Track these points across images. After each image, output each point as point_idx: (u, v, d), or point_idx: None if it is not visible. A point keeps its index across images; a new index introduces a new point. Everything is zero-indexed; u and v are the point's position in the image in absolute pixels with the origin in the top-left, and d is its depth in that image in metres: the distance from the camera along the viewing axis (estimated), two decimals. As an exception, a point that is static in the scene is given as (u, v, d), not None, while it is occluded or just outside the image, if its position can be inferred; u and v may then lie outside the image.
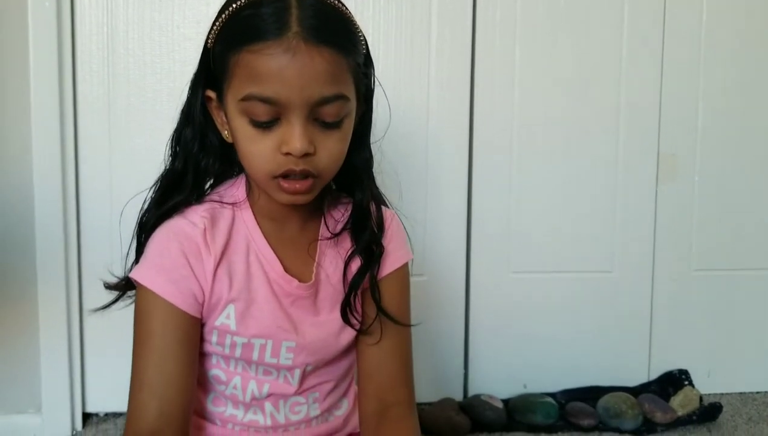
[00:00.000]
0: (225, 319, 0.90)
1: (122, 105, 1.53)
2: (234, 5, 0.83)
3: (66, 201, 1.50)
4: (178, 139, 0.93)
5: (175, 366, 0.86)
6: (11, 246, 1.49)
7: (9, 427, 1.51)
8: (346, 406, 1.03)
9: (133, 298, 0.92)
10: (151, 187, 0.94)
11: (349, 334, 0.96)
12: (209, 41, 0.87)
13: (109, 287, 0.97)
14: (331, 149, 0.84)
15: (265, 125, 0.81)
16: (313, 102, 0.80)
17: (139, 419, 0.84)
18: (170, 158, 0.93)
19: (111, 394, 1.59)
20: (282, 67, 0.78)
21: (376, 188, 0.98)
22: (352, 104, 0.85)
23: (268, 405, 0.95)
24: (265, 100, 0.79)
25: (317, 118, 0.82)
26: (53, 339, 1.52)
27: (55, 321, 1.51)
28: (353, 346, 0.99)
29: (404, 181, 1.40)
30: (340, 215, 0.97)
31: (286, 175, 0.83)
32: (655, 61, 1.70)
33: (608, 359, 1.75)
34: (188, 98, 0.92)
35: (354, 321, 0.95)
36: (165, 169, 0.93)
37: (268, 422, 0.95)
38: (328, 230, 0.95)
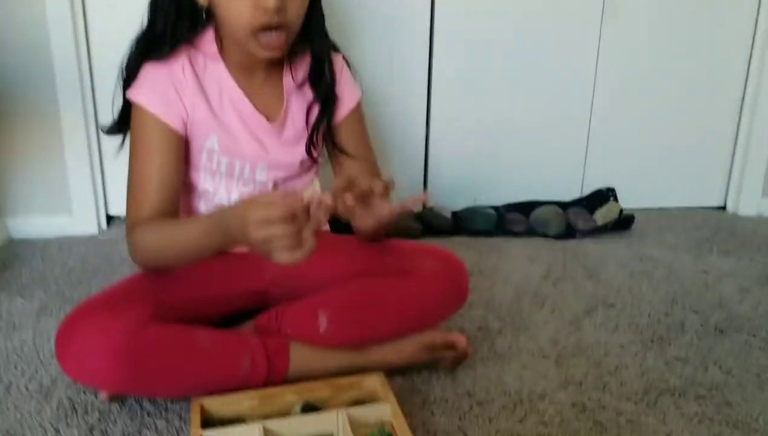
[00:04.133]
0: (211, 144, 1.17)
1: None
2: None
3: (75, 21, 1.72)
4: (156, 3, 1.14)
5: (168, 169, 1.13)
6: (32, 70, 1.74)
7: (45, 226, 1.85)
8: None
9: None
10: (130, 47, 1.15)
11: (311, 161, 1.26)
12: None
13: (107, 129, 1.24)
14: (298, 3, 1.08)
15: None
16: None
17: (140, 208, 1.11)
18: (149, 21, 1.14)
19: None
20: None
21: (328, 38, 1.22)
22: None
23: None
24: None
25: None
26: (76, 150, 1.81)
27: (77, 134, 1.80)
28: (316, 162, 1.29)
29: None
30: (299, 65, 1.22)
31: (263, 29, 1.05)
32: None
33: (547, 178, 2.05)
34: None
35: (315, 154, 1.24)
36: (143, 30, 1.15)
37: None
38: (293, 79, 1.21)
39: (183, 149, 1.17)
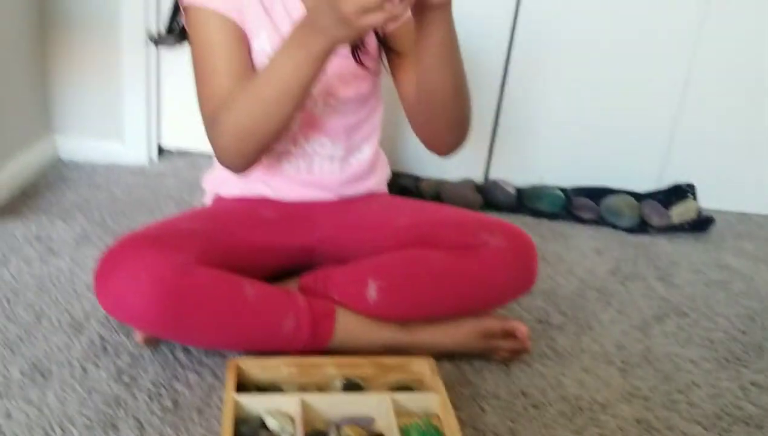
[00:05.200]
0: (261, 42, 1.08)
1: None
2: None
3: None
4: None
5: (234, 58, 1.04)
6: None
7: (96, 150, 1.80)
8: (367, 153, 1.23)
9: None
10: None
11: (362, 79, 1.15)
12: None
13: (155, 39, 1.16)
14: None
15: None
16: None
17: (214, 98, 1.02)
18: None
19: (183, 133, 1.86)
20: None
21: None
22: None
23: (300, 138, 1.16)
24: None
25: None
26: (134, 73, 1.75)
27: (136, 57, 1.72)
28: (373, 93, 1.19)
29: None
30: None
31: None
32: None
33: (623, 165, 1.90)
34: None
35: (365, 63, 1.13)
36: None
37: (299, 150, 1.17)
38: None
39: (245, 41, 1.08)
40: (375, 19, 0.81)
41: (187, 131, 1.85)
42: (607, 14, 1.79)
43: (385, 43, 1.14)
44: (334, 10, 0.82)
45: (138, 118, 1.78)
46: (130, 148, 1.80)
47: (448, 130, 1.08)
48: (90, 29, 1.70)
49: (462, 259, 1.06)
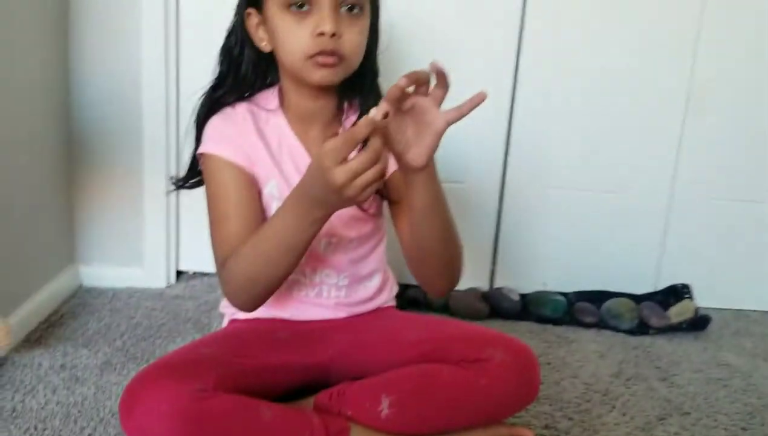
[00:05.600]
0: (270, 189, 1.19)
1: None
2: None
3: (168, 89, 1.80)
4: (224, 48, 1.22)
5: (245, 204, 1.15)
6: (123, 127, 1.81)
7: (115, 276, 1.88)
8: (376, 281, 1.31)
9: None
10: (200, 102, 1.23)
11: (363, 221, 1.24)
12: None
13: (175, 182, 1.29)
14: (353, 36, 1.11)
15: (299, 9, 1.08)
16: None
17: (225, 244, 1.12)
18: (218, 64, 1.22)
19: (199, 256, 1.95)
20: None
21: (379, 93, 1.23)
22: (367, 3, 1.13)
23: (307, 270, 1.25)
24: None
25: (341, 4, 1.09)
26: (155, 206, 1.86)
27: (157, 192, 1.83)
28: (375, 232, 1.28)
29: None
30: (355, 118, 1.22)
31: (319, 53, 1.09)
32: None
33: (621, 269, 1.98)
34: (233, 19, 1.21)
35: (366, 206, 1.22)
36: (211, 84, 1.23)
37: (307, 280, 1.25)
38: (344, 129, 1.21)
39: (256, 187, 1.18)
40: (366, 184, 0.90)
41: (204, 253, 1.93)
42: (598, 134, 1.92)
43: (379, 191, 1.22)
44: (327, 182, 0.91)
45: (158, 244, 1.88)
46: (149, 273, 1.89)
47: (438, 275, 1.17)
48: (115, 165, 1.83)
49: (470, 373, 1.11)
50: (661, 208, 1.97)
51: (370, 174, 0.90)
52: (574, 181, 1.95)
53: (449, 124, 0.95)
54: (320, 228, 1.02)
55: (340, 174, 0.89)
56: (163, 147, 1.82)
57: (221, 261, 1.13)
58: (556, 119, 1.90)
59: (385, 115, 0.90)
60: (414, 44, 1.72)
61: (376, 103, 1.12)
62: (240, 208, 1.15)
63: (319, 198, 0.96)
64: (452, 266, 1.16)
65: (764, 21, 1.86)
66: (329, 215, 1.01)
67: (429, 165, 1.00)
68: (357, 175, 0.89)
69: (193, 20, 1.80)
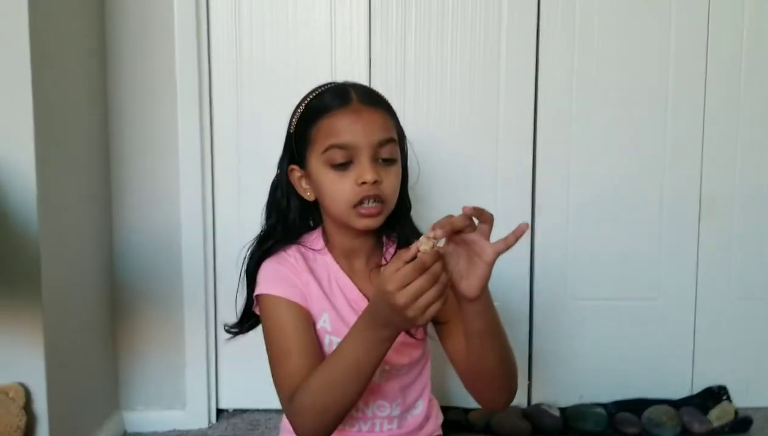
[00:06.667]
0: (323, 323, 1.23)
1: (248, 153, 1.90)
2: (305, 100, 1.21)
3: (205, 239, 1.89)
4: (271, 203, 1.29)
5: (304, 339, 1.18)
6: (163, 275, 1.88)
7: (158, 420, 1.91)
8: (421, 407, 1.34)
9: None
10: (249, 251, 1.28)
11: (413, 347, 1.28)
12: (291, 128, 1.23)
13: (230, 327, 1.32)
14: (391, 181, 1.19)
15: (342, 166, 1.16)
16: (376, 143, 1.15)
17: (290, 379, 1.13)
18: (266, 216, 1.29)
19: (238, 394, 1.97)
20: (351, 122, 1.15)
21: (413, 225, 1.31)
22: (398, 151, 1.21)
23: (360, 404, 1.27)
24: (341, 147, 1.15)
25: (378, 159, 1.16)
26: (196, 346, 1.91)
27: (197, 337, 1.89)
28: (423, 356, 1.32)
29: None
30: (393, 249, 1.29)
31: (361, 203, 1.16)
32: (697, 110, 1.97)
33: (655, 375, 2.01)
34: (277, 173, 1.29)
35: (413, 331, 1.25)
36: (261, 234, 1.29)
37: (360, 414, 1.27)
38: (385, 260, 1.28)
39: (311, 321, 1.22)
40: (427, 304, 0.94)
41: (243, 390, 1.97)
42: (617, 245, 2.00)
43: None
44: (388, 303, 0.96)
45: (199, 384, 1.91)
46: (190, 415, 1.91)
47: (498, 391, 1.20)
48: (156, 314, 1.89)
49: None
50: (688, 312, 2.02)
51: (430, 294, 0.94)
52: (599, 291, 2.01)
53: (498, 254, 1.00)
54: (388, 348, 1.06)
55: (401, 297, 0.94)
56: (201, 290, 1.88)
57: (288, 396, 1.15)
58: (577, 233, 1.99)
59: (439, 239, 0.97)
60: (435, 177, 1.82)
61: (412, 233, 1.19)
62: (301, 343, 1.18)
63: (386, 319, 1.00)
64: (511, 381, 1.20)
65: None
66: (396, 336, 1.04)
67: (483, 294, 1.06)
68: (417, 296, 0.94)
69: (226, 167, 1.91)
